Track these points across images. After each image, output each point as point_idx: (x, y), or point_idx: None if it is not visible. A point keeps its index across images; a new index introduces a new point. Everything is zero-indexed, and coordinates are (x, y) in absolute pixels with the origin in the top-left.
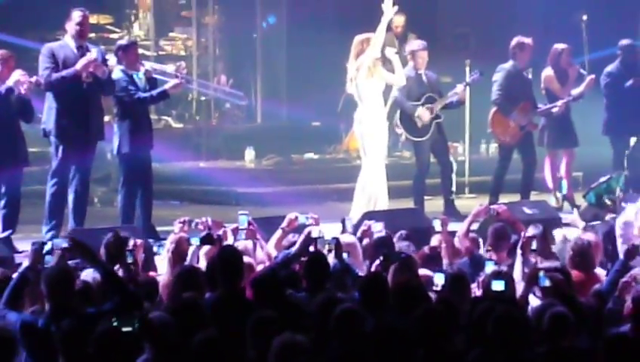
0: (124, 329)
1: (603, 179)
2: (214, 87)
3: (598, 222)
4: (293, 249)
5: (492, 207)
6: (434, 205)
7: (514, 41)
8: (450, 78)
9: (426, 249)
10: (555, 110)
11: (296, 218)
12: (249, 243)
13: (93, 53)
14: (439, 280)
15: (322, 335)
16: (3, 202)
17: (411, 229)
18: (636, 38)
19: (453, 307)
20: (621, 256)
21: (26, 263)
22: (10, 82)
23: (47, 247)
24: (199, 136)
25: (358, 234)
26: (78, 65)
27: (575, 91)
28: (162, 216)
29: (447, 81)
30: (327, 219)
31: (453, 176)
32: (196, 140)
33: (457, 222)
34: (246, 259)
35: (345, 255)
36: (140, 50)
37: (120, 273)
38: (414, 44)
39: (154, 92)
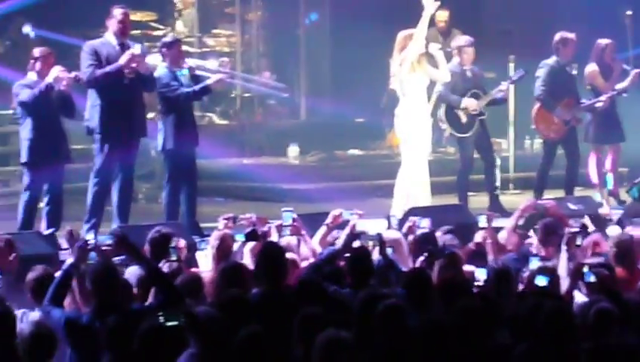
0: (170, 324)
1: None
2: (256, 80)
3: None
4: (337, 245)
5: (540, 202)
6: (478, 201)
7: (557, 37)
8: (493, 73)
9: (471, 245)
10: (598, 105)
11: (341, 214)
12: (293, 240)
13: (136, 49)
14: (481, 275)
15: (365, 331)
16: (46, 199)
17: (456, 225)
18: None
19: (492, 302)
20: None
21: (70, 260)
22: (49, 79)
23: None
24: (243, 132)
25: (404, 230)
26: (122, 60)
27: (619, 86)
28: (207, 212)
29: (490, 77)
30: (371, 215)
31: (497, 172)
32: (240, 137)
33: (502, 218)
34: (290, 255)
35: (389, 251)
36: (184, 47)
37: (164, 269)
38: (461, 39)
39: (196, 87)
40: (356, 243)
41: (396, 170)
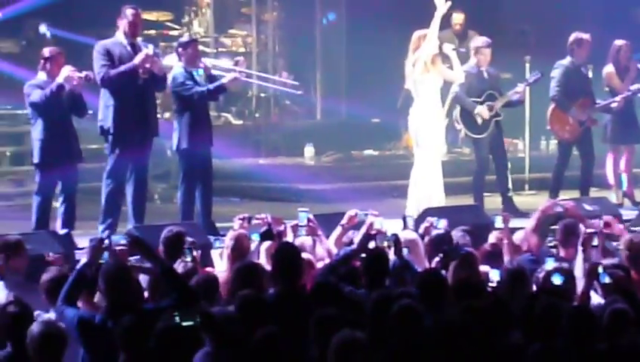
0: (185, 323)
1: None
2: (272, 78)
3: None
4: (353, 245)
5: (560, 203)
6: (493, 202)
7: (572, 37)
8: (509, 74)
9: (487, 246)
10: (613, 105)
11: (356, 215)
12: (309, 240)
13: (150, 49)
14: (494, 276)
15: (378, 331)
16: (61, 199)
17: (471, 226)
18: None
19: (506, 303)
20: None
21: (84, 260)
22: (60, 79)
23: (107, 243)
24: (259, 132)
25: (420, 230)
26: (137, 60)
27: (634, 87)
28: (222, 212)
29: (506, 78)
30: (387, 216)
31: (509, 173)
32: (256, 137)
33: (517, 218)
34: (305, 255)
35: (405, 251)
36: (200, 47)
37: (179, 269)
38: (478, 40)
39: (211, 86)
40: (372, 244)
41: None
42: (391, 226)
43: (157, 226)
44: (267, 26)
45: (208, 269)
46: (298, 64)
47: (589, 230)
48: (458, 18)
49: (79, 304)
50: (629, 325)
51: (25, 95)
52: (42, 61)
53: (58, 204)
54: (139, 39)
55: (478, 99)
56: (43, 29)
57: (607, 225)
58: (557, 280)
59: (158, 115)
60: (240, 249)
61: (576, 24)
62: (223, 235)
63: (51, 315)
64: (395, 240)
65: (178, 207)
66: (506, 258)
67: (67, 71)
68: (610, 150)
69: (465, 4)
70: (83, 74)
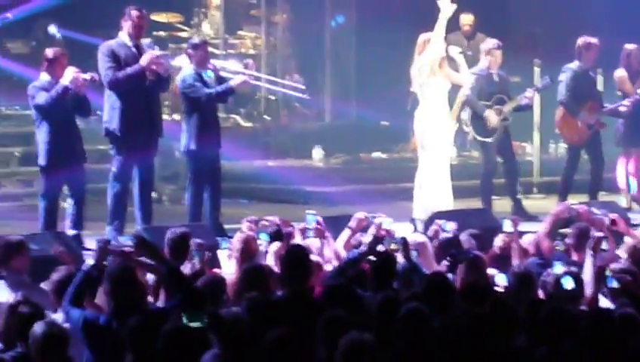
0: (193, 324)
1: None
2: (280, 82)
3: None
4: (362, 248)
5: (573, 206)
6: (502, 205)
7: (580, 41)
8: (519, 77)
9: (495, 249)
10: (622, 109)
11: (365, 217)
12: (317, 242)
13: (156, 50)
14: (501, 280)
15: (384, 333)
16: (70, 201)
17: (480, 229)
18: None
19: (512, 306)
20: None
21: (90, 261)
22: (65, 81)
23: (113, 245)
24: (268, 134)
25: (429, 233)
26: (144, 62)
27: None
28: (231, 214)
29: (515, 81)
30: (395, 219)
31: (517, 176)
32: (265, 139)
33: (526, 222)
34: (314, 258)
35: (414, 254)
36: (209, 49)
37: (187, 270)
38: (489, 42)
39: (219, 87)
40: (380, 247)
41: None
42: (399, 229)
43: (165, 227)
44: (277, 27)
45: (215, 271)
46: (307, 66)
47: (598, 233)
48: (467, 19)
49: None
50: (637, 329)
51: (29, 97)
52: (45, 62)
53: (67, 205)
54: (146, 40)
55: (488, 102)
56: (53, 29)
57: (613, 222)
58: (568, 284)
59: (167, 117)
60: (248, 251)
61: (586, 27)
62: (231, 237)
63: (59, 316)
64: (404, 243)
65: (186, 209)
66: (515, 262)
67: (72, 72)
68: (621, 153)
69: (473, 6)
70: (89, 75)
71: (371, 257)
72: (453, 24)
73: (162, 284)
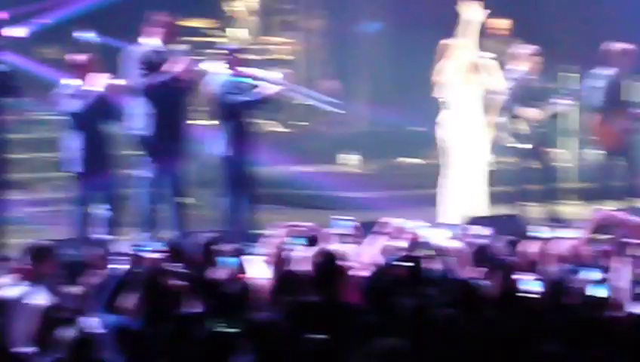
0: (228, 330)
1: None
2: (315, 95)
3: None
4: (398, 254)
5: (611, 213)
6: (537, 211)
7: (615, 47)
8: (554, 84)
9: (531, 255)
10: None
11: (401, 224)
12: (352, 249)
13: (187, 57)
14: (534, 286)
15: (419, 340)
16: (103, 206)
17: (514, 235)
18: None
19: (545, 313)
20: None
21: (124, 267)
22: (99, 87)
23: (145, 251)
24: (303, 140)
25: (465, 239)
26: (177, 69)
27: None
28: (266, 220)
29: (549, 87)
30: (431, 225)
31: (554, 182)
32: (299, 144)
33: (561, 228)
34: (350, 263)
35: (449, 260)
36: (246, 55)
37: (221, 276)
38: (528, 48)
39: (256, 96)
40: (416, 253)
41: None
42: (435, 235)
43: (199, 233)
44: (313, 33)
45: (248, 276)
46: (343, 72)
47: (636, 240)
48: (503, 24)
49: None
50: None
51: (56, 103)
52: (74, 68)
53: (100, 211)
54: (178, 46)
55: (525, 108)
56: (91, 35)
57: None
58: (603, 291)
59: (204, 122)
60: (281, 257)
61: (620, 34)
62: (265, 243)
63: (92, 321)
64: (440, 249)
65: (221, 215)
66: (549, 268)
67: (106, 80)
68: None
69: (510, 11)
70: (123, 82)
71: (407, 263)
72: (485, 29)
73: (196, 290)
